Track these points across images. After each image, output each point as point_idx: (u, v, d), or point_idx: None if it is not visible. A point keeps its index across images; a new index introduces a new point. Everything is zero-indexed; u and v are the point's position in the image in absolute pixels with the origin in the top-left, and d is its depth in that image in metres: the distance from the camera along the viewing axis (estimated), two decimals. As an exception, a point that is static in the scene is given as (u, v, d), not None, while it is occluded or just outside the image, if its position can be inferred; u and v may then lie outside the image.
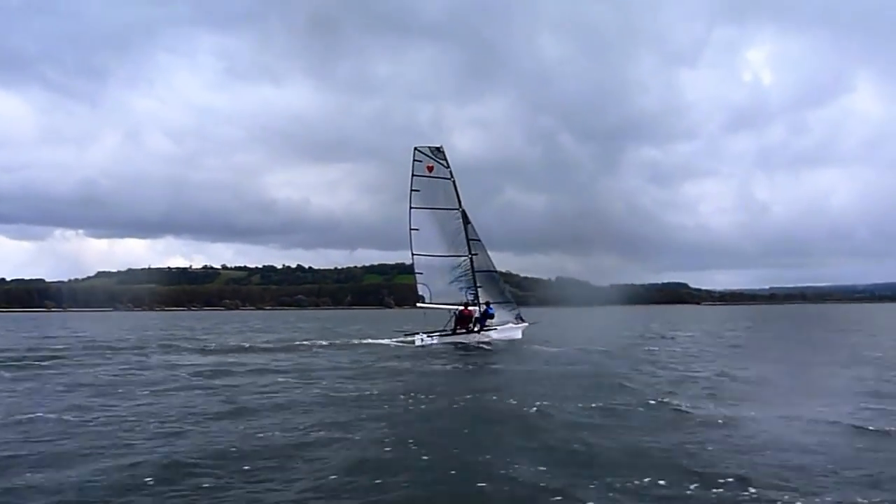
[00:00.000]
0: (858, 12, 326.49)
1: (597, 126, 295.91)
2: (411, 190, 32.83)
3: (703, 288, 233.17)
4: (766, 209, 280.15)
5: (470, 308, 32.36)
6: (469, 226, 33.34)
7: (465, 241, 33.21)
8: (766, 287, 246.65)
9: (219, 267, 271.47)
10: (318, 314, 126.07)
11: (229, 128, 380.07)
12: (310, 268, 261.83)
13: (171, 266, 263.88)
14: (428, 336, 30.97)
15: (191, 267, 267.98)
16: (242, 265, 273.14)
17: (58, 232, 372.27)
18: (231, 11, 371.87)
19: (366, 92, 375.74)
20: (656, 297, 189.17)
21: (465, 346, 29.82)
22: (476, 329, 32.05)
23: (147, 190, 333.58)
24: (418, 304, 33.04)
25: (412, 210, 32.84)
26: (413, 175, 32.94)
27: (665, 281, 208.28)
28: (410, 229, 32.80)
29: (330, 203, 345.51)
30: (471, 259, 33.19)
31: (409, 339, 31.34)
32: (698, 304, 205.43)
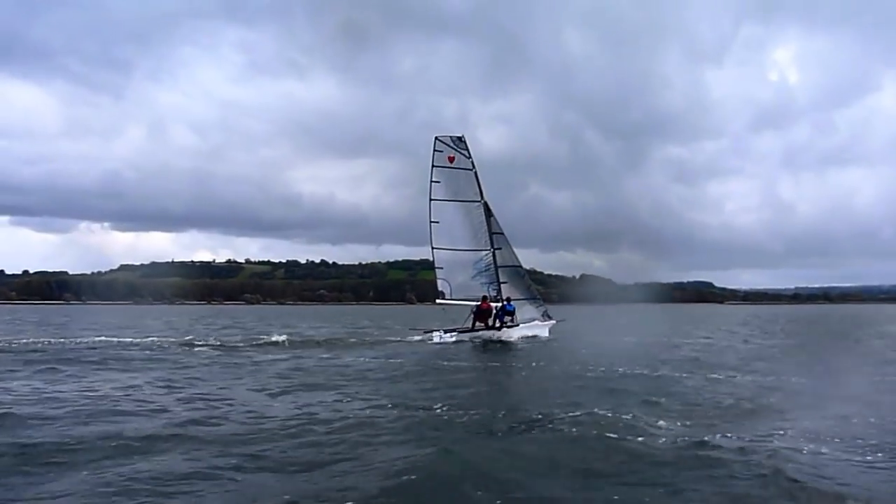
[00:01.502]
0: (883, 11, 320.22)
1: (622, 123, 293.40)
2: (431, 181, 31.51)
3: (728, 287, 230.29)
4: (791, 208, 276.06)
5: (489, 303, 30.88)
6: (492, 219, 31.91)
7: (487, 234, 31.82)
8: (792, 287, 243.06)
9: (242, 261, 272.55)
10: (329, 309, 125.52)
11: (253, 122, 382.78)
12: (333, 263, 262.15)
13: (196, 260, 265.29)
14: (447, 333, 29.64)
15: (214, 261, 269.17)
16: (266, 259, 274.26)
17: (83, 225, 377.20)
18: (254, 4, 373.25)
19: (390, 87, 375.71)
20: (680, 295, 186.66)
21: (486, 345, 28.35)
22: (497, 326, 30.62)
23: (172, 183, 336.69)
24: (438, 301, 31.73)
25: (432, 202, 31.53)
26: (433, 166, 31.60)
27: (690, 280, 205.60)
28: (430, 222, 31.50)
29: (355, 198, 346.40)
30: (493, 253, 31.78)
31: (427, 336, 30.02)
32: (721, 303, 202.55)
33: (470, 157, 31.96)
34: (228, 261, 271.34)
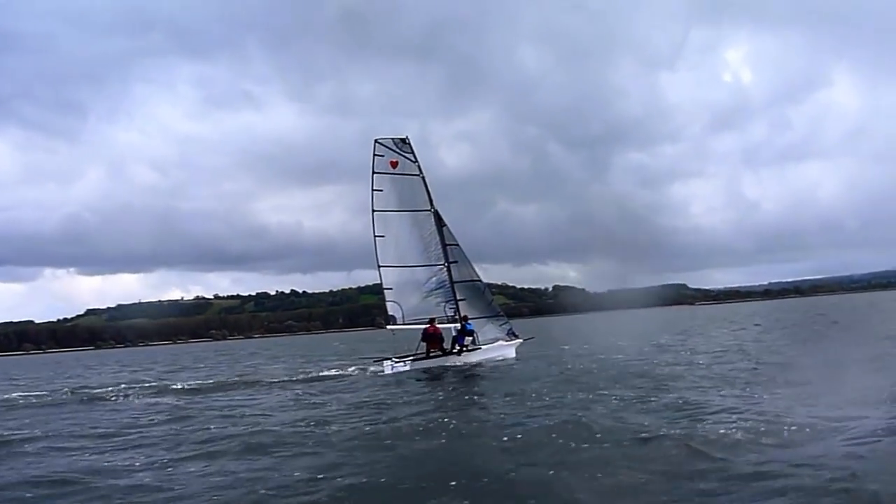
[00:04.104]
0: (830, 7, 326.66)
1: (582, 133, 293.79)
2: (372, 190, 27.69)
3: (702, 287, 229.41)
4: (755, 206, 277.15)
5: (437, 325, 26.99)
6: (445, 229, 28.20)
7: (440, 247, 28.12)
8: (765, 282, 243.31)
9: (211, 297, 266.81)
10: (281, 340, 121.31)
11: (214, 156, 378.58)
12: (304, 292, 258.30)
13: (164, 299, 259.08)
14: (398, 361, 25.73)
15: (182, 298, 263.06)
16: (236, 293, 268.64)
17: (48, 271, 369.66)
18: (206, 39, 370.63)
19: (349, 112, 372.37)
20: (654, 299, 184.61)
21: (437, 374, 24.37)
22: (455, 350, 26.77)
23: (135, 224, 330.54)
24: (388, 326, 27.78)
25: (375, 213, 27.70)
26: (374, 172, 27.76)
27: (664, 283, 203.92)
28: (375, 236, 27.69)
29: (323, 226, 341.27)
30: (448, 268, 28.07)
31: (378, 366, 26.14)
32: (692, 304, 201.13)
33: (416, 160, 28.32)
34: (197, 297, 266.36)
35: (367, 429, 12.54)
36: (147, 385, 26.29)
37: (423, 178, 28.31)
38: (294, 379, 24.96)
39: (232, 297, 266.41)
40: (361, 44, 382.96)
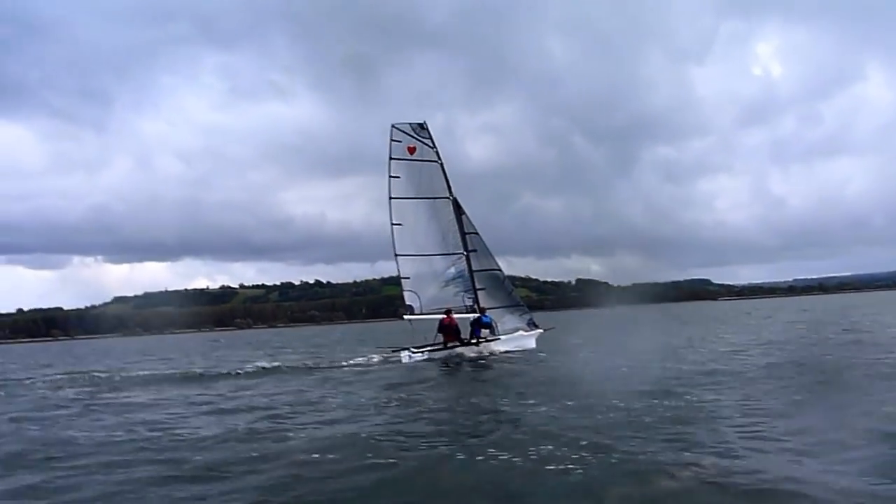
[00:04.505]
0: (861, 1, 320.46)
1: (609, 126, 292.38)
2: (389, 176, 27.09)
3: (726, 283, 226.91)
4: (783, 202, 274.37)
5: (453, 316, 26.37)
6: (463, 217, 27.60)
7: (459, 235, 27.54)
8: (791, 279, 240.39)
9: (237, 286, 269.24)
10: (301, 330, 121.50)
11: (239, 147, 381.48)
12: (328, 282, 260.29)
13: (190, 288, 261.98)
14: (416, 351, 25.23)
15: (208, 287, 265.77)
16: (261, 283, 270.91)
17: (76, 259, 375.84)
18: (231, 29, 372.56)
19: (374, 103, 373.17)
20: (678, 294, 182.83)
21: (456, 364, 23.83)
22: (474, 340, 26.19)
23: (163, 212, 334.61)
24: (405, 317, 27.17)
25: (392, 201, 27.11)
26: (391, 158, 27.16)
27: (688, 278, 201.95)
28: (392, 224, 27.11)
29: (348, 217, 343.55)
30: (467, 256, 27.50)
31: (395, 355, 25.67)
32: (715, 300, 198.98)
33: (434, 146, 27.70)
34: (222, 287, 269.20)
35: (182, 437, 11.25)
36: (95, 376, 25.54)
37: (442, 164, 27.70)
38: (225, 373, 23.78)
39: (257, 286, 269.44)
40: (387, 34, 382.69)
